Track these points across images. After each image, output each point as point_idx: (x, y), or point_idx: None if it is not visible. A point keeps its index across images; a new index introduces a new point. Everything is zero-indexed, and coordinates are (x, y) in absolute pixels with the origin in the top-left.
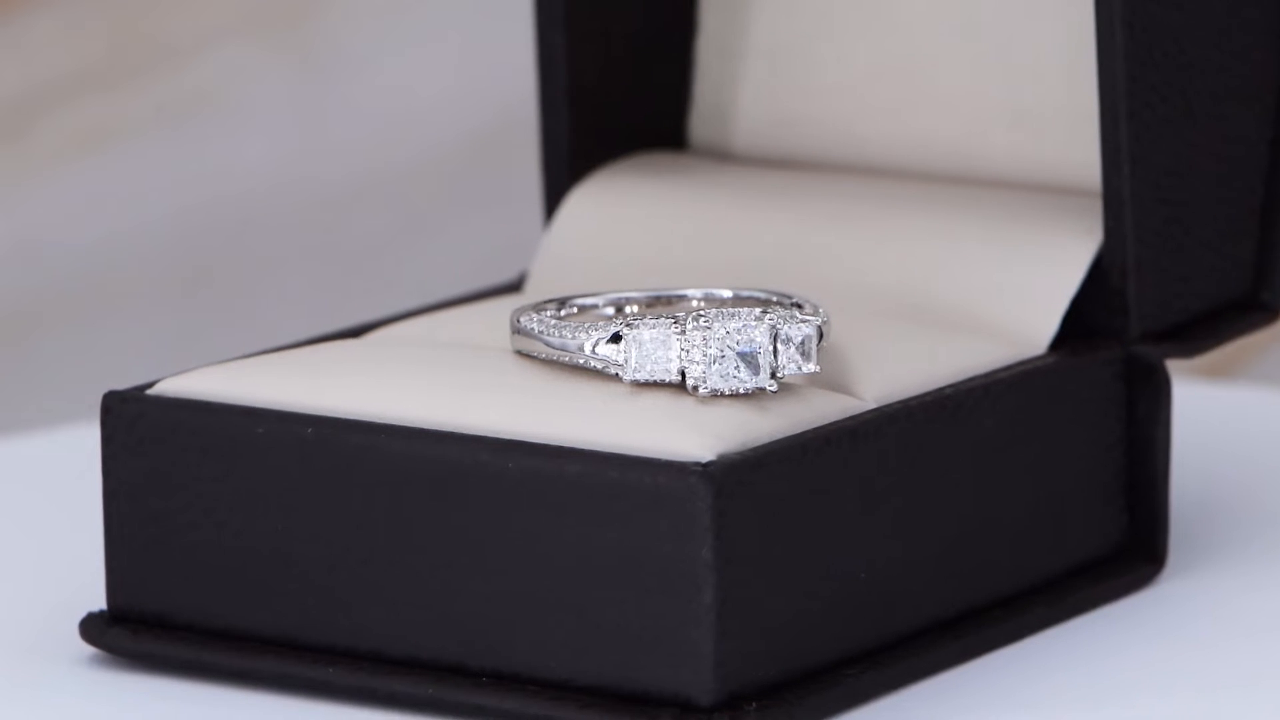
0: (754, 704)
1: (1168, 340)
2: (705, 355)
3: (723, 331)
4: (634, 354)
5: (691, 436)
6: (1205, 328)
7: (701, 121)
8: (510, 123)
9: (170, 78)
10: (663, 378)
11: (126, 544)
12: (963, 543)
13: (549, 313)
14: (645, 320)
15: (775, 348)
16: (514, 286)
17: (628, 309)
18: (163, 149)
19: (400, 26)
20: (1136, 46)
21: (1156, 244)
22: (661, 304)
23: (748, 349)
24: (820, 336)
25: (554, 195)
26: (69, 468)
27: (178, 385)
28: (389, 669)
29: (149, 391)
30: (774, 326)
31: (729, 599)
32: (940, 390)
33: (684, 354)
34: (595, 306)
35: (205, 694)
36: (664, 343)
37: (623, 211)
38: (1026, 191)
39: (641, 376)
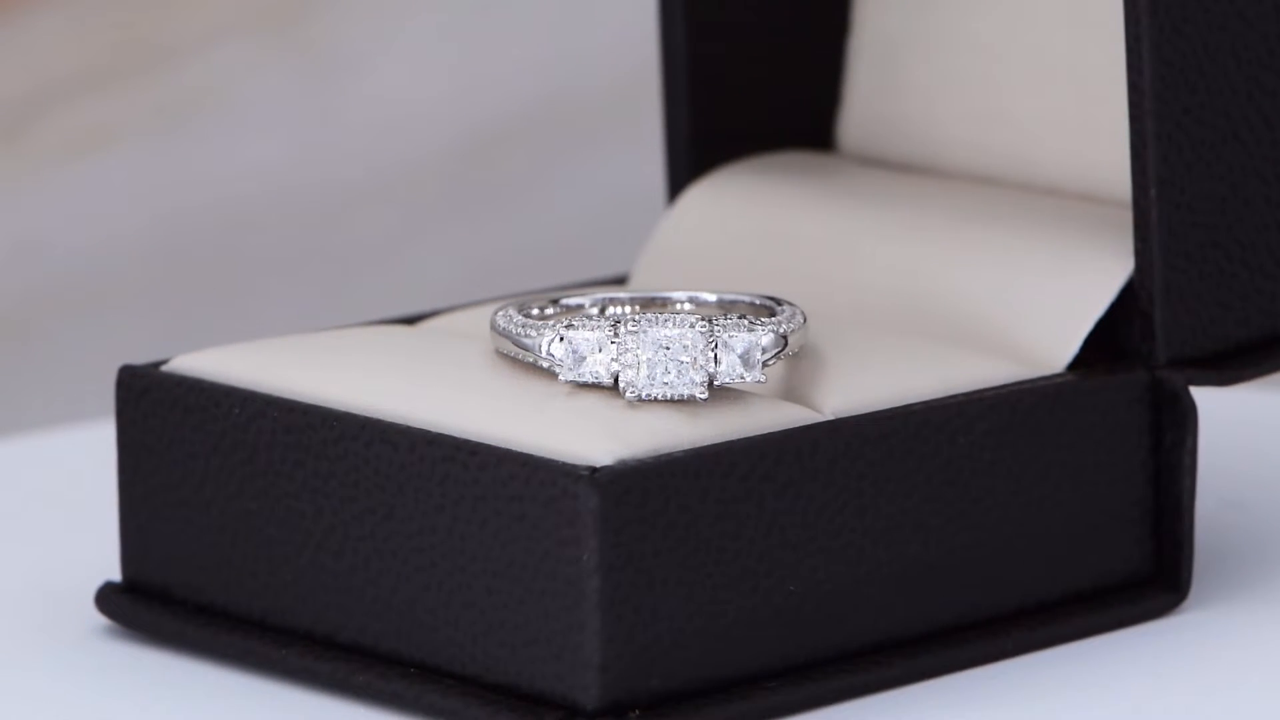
0: (637, 711)
1: (1203, 367)
2: (636, 359)
3: (652, 337)
4: (570, 356)
5: (600, 441)
6: (1247, 356)
7: (848, 123)
8: (511, 123)
9: (170, 78)
10: (597, 380)
11: (135, 515)
12: (936, 562)
13: (534, 310)
14: (586, 322)
15: (715, 355)
16: (620, 280)
17: (610, 310)
18: (162, 149)
19: (401, 26)
20: (1166, 69)
21: (1190, 269)
22: (657, 305)
23: (679, 355)
24: (782, 345)
25: (675, 190)
26: (94, 459)
27: (187, 363)
28: (333, 654)
29: (163, 368)
30: (710, 334)
31: (617, 605)
32: (906, 406)
33: (619, 357)
34: (582, 306)
35: (178, 666)
36: (598, 345)
37: (735, 210)
38: (1096, 206)
39: (575, 378)
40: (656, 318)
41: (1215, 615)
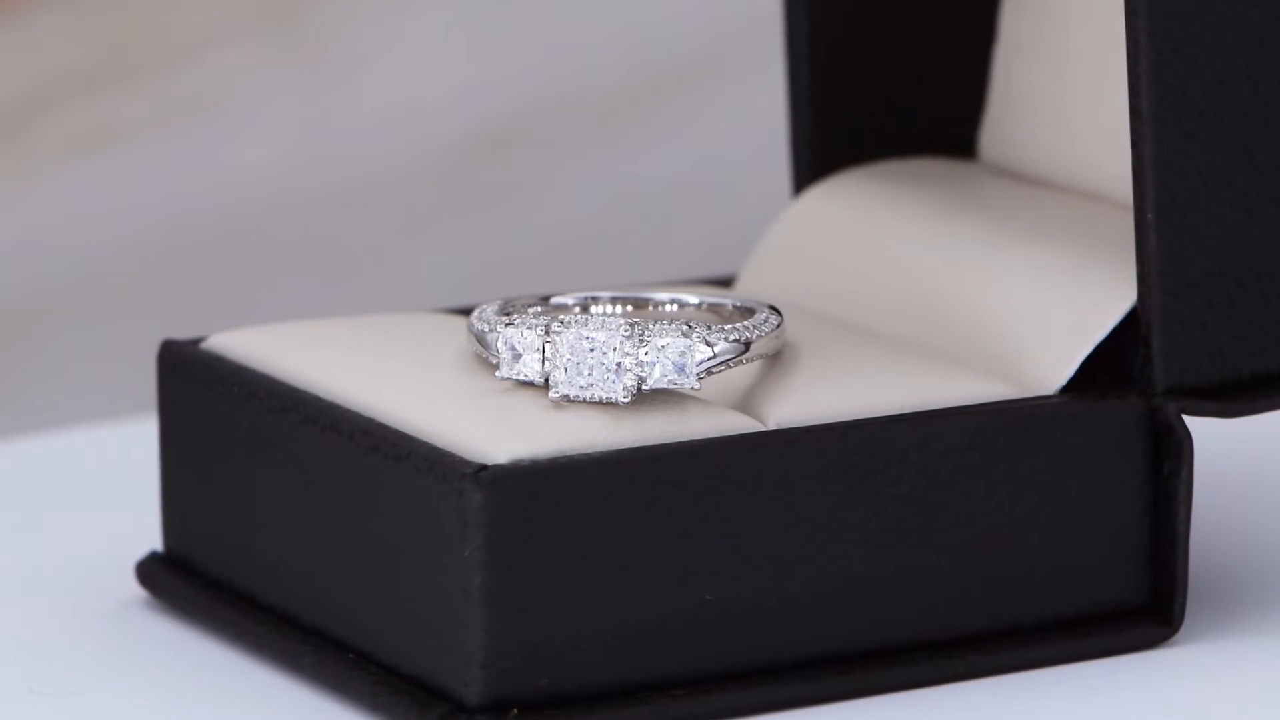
0: (515, 710)
1: (1205, 398)
2: (561, 360)
3: (577, 338)
4: (505, 354)
5: (505, 439)
6: (1260, 389)
7: (988, 132)
8: (513, 122)
9: (170, 78)
10: (529, 378)
11: (170, 488)
12: (885, 580)
13: (534, 308)
14: (525, 321)
15: (644, 359)
16: (727, 280)
17: (594, 309)
18: (163, 149)
19: (401, 25)
20: (1166, 92)
21: (1194, 296)
22: (642, 306)
23: (601, 357)
24: (739, 350)
25: (799, 190)
26: (110, 452)
27: (221, 341)
28: (295, 634)
29: (201, 345)
30: (639, 338)
31: (501, 602)
32: (847, 421)
33: (551, 358)
34: (566, 305)
35: (182, 638)
36: (530, 345)
37: (840, 214)
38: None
39: (511, 375)
40: (587, 319)
41: (1205, 649)
